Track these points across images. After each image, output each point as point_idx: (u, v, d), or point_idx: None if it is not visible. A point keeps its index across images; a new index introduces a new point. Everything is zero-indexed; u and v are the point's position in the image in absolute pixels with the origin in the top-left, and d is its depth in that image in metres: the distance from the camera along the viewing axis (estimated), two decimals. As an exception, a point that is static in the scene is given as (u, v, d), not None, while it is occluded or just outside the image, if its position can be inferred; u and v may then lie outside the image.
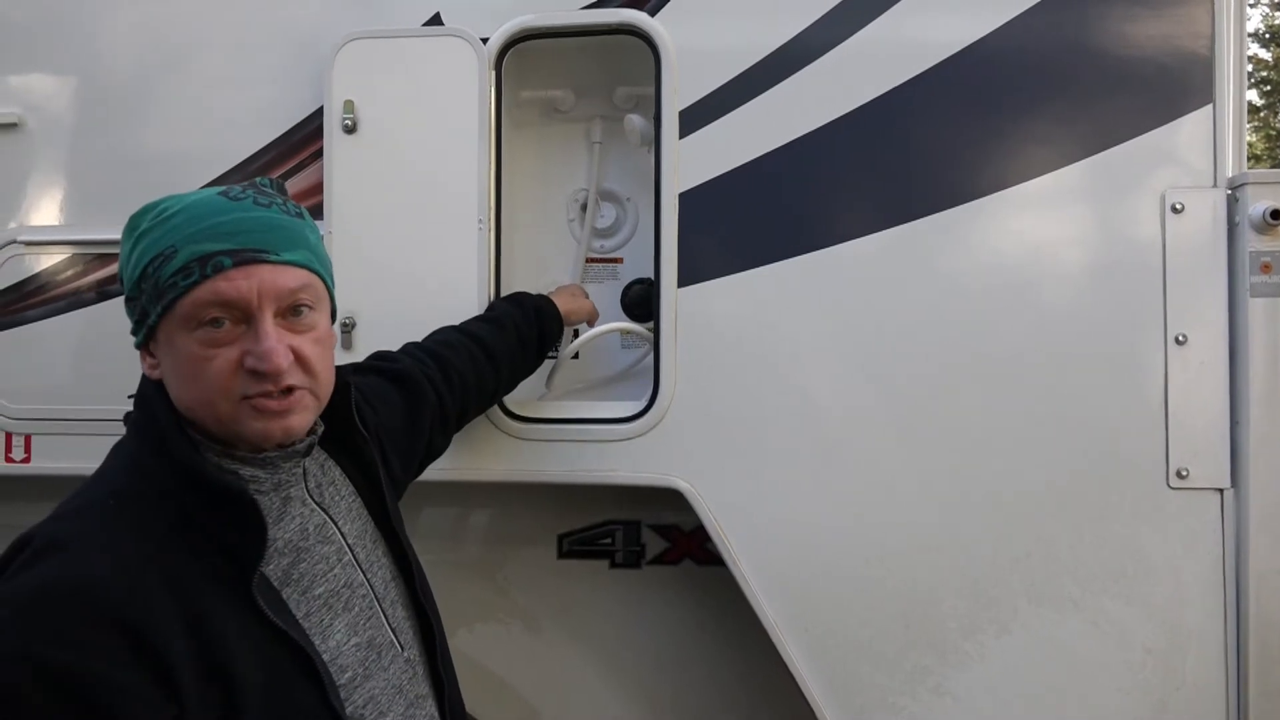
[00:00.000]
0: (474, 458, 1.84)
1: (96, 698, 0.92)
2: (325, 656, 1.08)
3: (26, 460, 1.99)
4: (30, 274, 2.01)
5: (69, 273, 2.00)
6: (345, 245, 1.86)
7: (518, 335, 1.73)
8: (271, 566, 1.08)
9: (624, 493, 1.97)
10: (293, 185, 1.93)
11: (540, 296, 1.83)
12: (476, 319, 1.75)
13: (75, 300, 1.99)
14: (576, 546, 2.11)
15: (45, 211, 2.03)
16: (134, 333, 1.10)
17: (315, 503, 1.17)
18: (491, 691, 2.08)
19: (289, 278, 1.06)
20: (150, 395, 1.11)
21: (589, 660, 2.12)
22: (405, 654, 1.20)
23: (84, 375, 1.98)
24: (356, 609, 1.15)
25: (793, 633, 1.74)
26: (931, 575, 1.72)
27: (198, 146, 1.97)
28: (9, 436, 2.00)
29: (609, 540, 2.11)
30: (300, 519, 1.14)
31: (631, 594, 2.10)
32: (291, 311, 1.07)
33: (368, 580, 1.19)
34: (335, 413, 1.22)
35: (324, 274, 1.13)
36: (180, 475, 1.04)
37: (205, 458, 1.07)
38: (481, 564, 2.14)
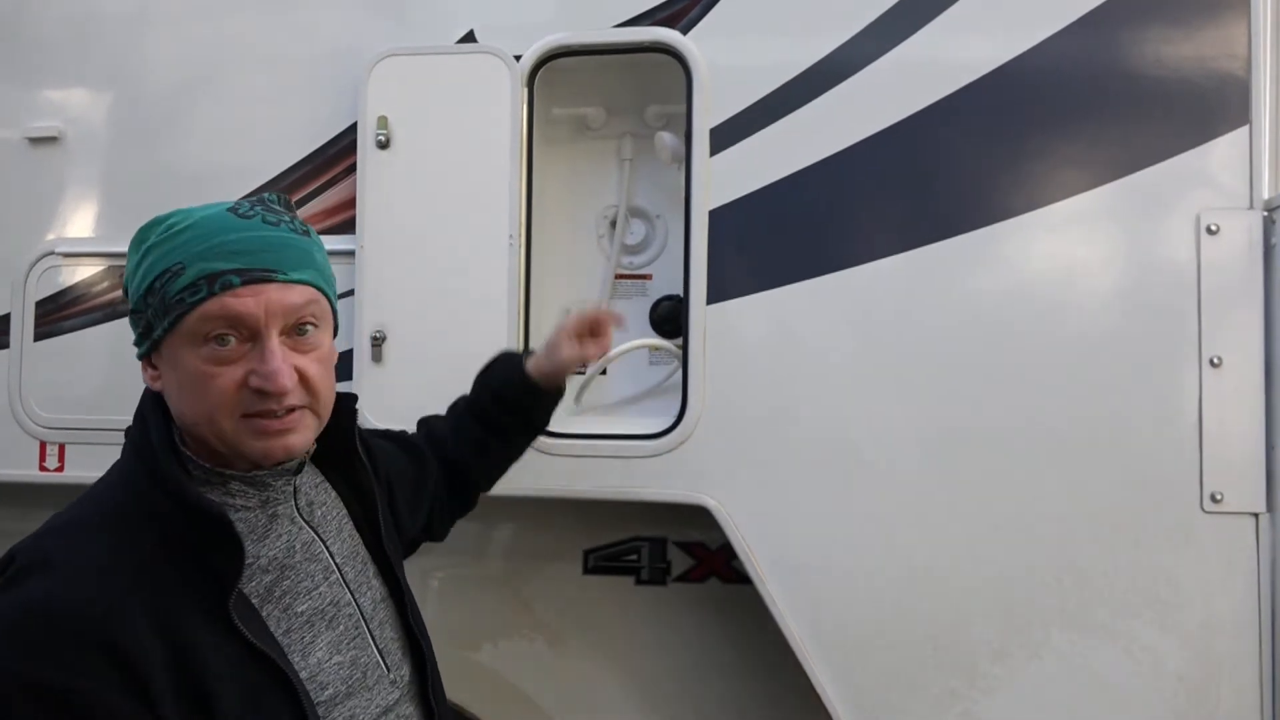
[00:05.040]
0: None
1: (85, 714, 0.92)
2: (304, 674, 1.07)
3: (60, 469, 2.02)
4: (67, 285, 2.04)
5: (105, 284, 2.03)
6: (377, 260, 1.87)
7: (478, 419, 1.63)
8: (253, 584, 1.08)
9: (650, 509, 1.96)
10: (326, 200, 1.96)
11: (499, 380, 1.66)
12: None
13: (111, 311, 2.02)
14: (602, 562, 2.11)
15: (83, 223, 2.06)
16: (137, 344, 1.11)
17: (304, 520, 1.17)
18: (515, 706, 2.08)
19: (296, 296, 1.07)
20: (148, 411, 1.12)
21: (613, 677, 2.11)
22: (391, 675, 1.19)
23: (118, 386, 2.00)
24: (341, 627, 1.15)
25: (820, 653, 1.73)
26: (961, 598, 1.70)
27: (233, 161, 2.00)
28: (43, 445, 2.03)
29: (635, 557, 2.10)
30: (288, 536, 1.14)
31: (657, 611, 2.10)
32: (296, 330, 1.08)
33: (355, 600, 1.19)
34: (337, 434, 1.23)
35: (329, 292, 1.14)
36: (168, 496, 1.05)
37: (188, 477, 1.08)
38: (507, 578, 2.14)
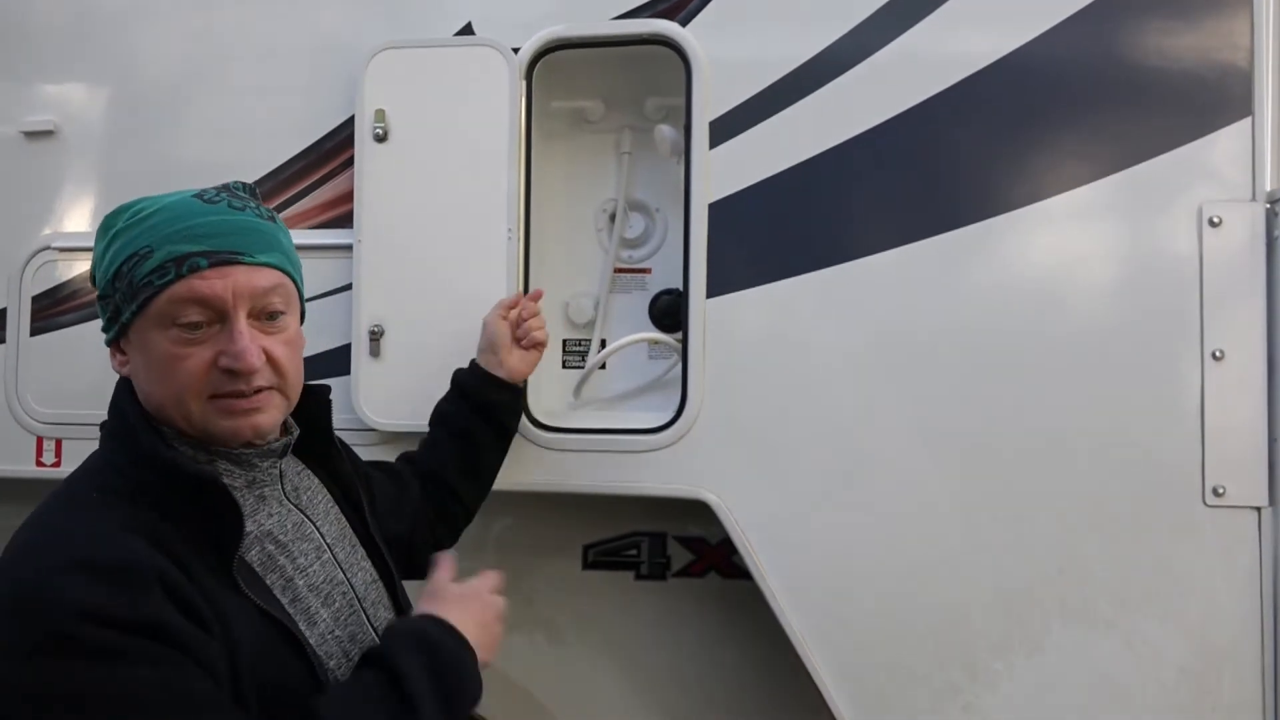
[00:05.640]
0: (500, 467, 1.84)
1: (163, 636, 0.94)
2: (312, 641, 1.09)
3: (57, 464, 2.01)
4: (63, 280, 2.03)
5: (101, 279, 2.02)
6: (375, 254, 1.86)
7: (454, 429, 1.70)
8: (254, 552, 1.10)
9: (650, 504, 1.96)
10: (323, 194, 1.95)
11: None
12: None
13: (107, 306, 2.01)
14: (602, 558, 2.10)
15: (79, 218, 2.05)
16: (105, 329, 1.13)
17: (292, 503, 1.20)
18: (514, 702, 2.07)
19: (263, 279, 1.09)
20: (122, 400, 1.13)
21: (612, 671, 2.11)
22: None
23: (115, 381, 1.99)
24: (338, 604, 1.17)
25: (820, 648, 1.72)
26: (962, 592, 1.70)
27: (230, 154, 1.98)
28: (40, 440, 2.02)
29: (634, 552, 2.10)
30: (278, 516, 1.16)
31: (656, 606, 2.09)
32: (265, 314, 1.10)
33: (348, 579, 1.21)
34: (314, 424, 1.26)
35: (295, 277, 1.16)
36: (153, 469, 1.06)
37: (176, 449, 1.09)
38: (506, 573, 2.13)
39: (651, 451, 1.80)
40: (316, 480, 1.29)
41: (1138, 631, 1.66)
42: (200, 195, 1.11)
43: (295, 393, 1.17)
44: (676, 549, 2.09)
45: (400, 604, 1.29)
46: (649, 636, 2.10)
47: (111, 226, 1.10)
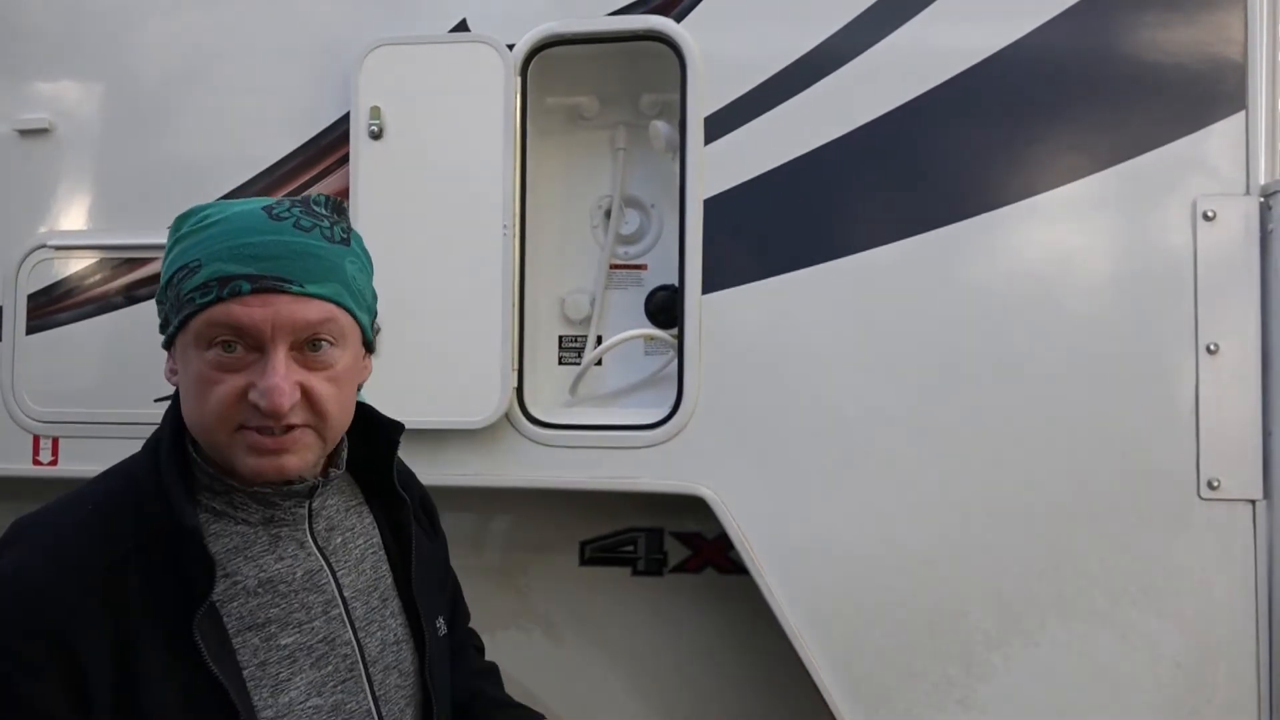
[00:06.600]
0: (497, 464, 1.84)
1: (12, 702, 0.90)
2: (268, 713, 1.00)
3: (54, 463, 2.01)
4: (59, 278, 2.03)
5: (97, 277, 2.01)
6: (370, 250, 1.86)
7: None
8: (235, 605, 1.02)
9: (647, 500, 1.96)
10: (319, 190, 1.94)
11: None
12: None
13: (103, 304, 2.01)
14: (599, 553, 2.11)
15: (74, 216, 2.05)
16: (161, 332, 1.07)
17: (317, 547, 1.11)
18: (511, 696, 2.07)
19: (310, 311, 1.00)
20: (171, 409, 1.08)
21: (610, 667, 2.11)
22: None
23: (111, 379, 1.99)
24: (330, 668, 1.07)
25: (817, 642, 1.72)
26: (958, 586, 1.70)
27: (225, 152, 1.98)
28: (36, 439, 2.02)
29: (631, 548, 2.10)
30: (290, 561, 1.08)
31: (653, 602, 2.10)
32: (309, 345, 1.01)
33: (357, 640, 1.11)
34: (375, 464, 1.18)
35: (353, 308, 1.06)
36: (160, 500, 1.01)
37: (189, 479, 1.04)
38: (503, 570, 2.14)
39: (648, 447, 1.80)
40: (368, 519, 1.19)
41: (1133, 625, 1.66)
42: (269, 209, 1.03)
43: (335, 433, 1.08)
44: (673, 544, 2.09)
45: (425, 669, 1.18)
46: (646, 632, 2.10)
47: (178, 230, 1.04)
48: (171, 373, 1.06)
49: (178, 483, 1.02)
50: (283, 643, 1.04)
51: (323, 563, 1.11)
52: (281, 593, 1.06)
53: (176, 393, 1.07)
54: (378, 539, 1.20)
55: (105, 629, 0.94)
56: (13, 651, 0.91)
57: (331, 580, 1.11)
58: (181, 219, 1.05)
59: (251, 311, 0.97)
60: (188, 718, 0.95)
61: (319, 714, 1.04)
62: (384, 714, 1.11)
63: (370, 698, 1.10)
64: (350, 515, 1.18)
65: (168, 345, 1.06)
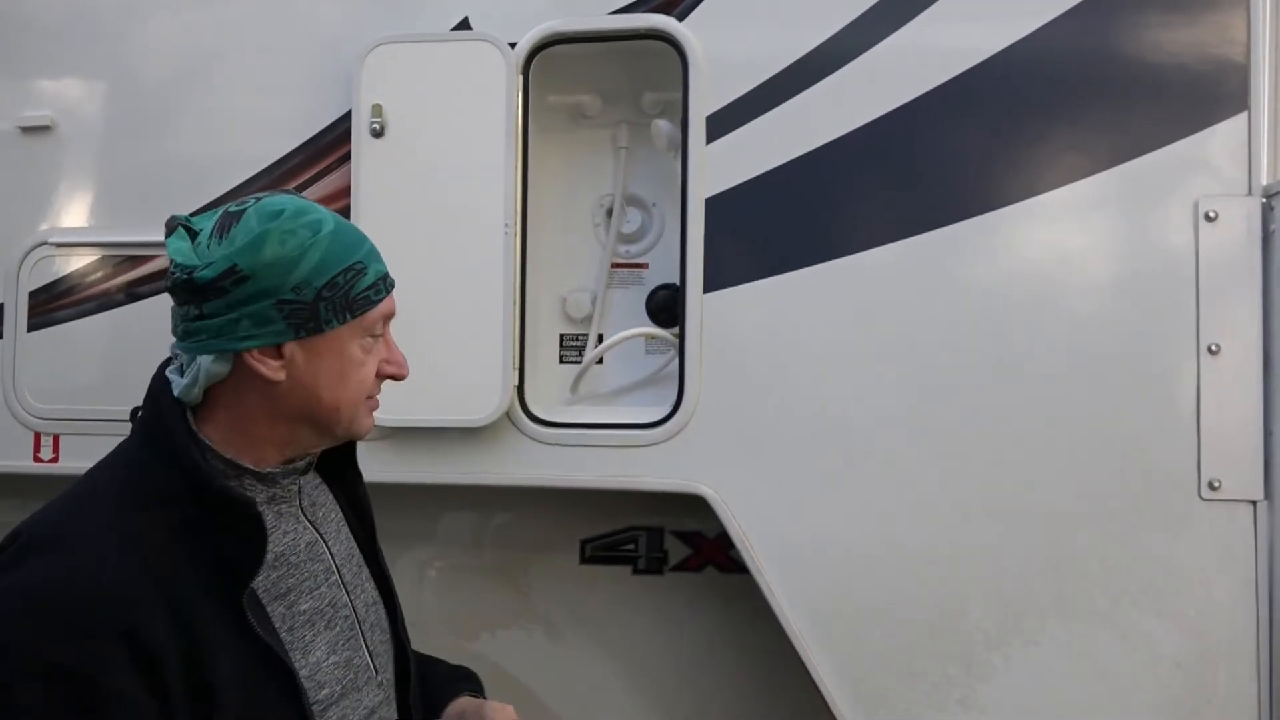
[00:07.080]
0: (497, 462, 1.84)
1: (95, 700, 0.92)
2: (304, 673, 1.08)
3: (55, 460, 2.01)
4: (61, 275, 2.03)
5: (98, 274, 2.02)
6: (372, 249, 1.86)
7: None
8: (260, 579, 1.07)
9: (647, 499, 1.96)
10: (320, 188, 1.95)
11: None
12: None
13: (105, 301, 2.01)
14: (599, 552, 2.11)
15: (76, 213, 2.05)
16: (280, 333, 1.05)
17: (308, 520, 1.19)
18: (512, 696, 2.06)
19: None
20: (160, 396, 1.10)
21: (610, 666, 2.11)
22: (379, 678, 1.21)
23: (113, 376, 1.99)
24: (338, 628, 1.16)
25: (817, 641, 1.73)
26: (958, 586, 1.70)
27: (226, 150, 1.98)
28: (38, 436, 2.02)
29: (632, 546, 2.10)
30: (293, 534, 1.15)
31: (654, 600, 2.10)
32: None
33: (351, 601, 1.20)
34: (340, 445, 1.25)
35: None
36: (186, 481, 1.03)
37: (213, 466, 1.07)
38: (504, 569, 2.14)
39: (648, 446, 1.80)
40: (329, 496, 1.28)
41: (1133, 625, 1.66)
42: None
43: None
44: (674, 543, 2.09)
45: (398, 628, 1.28)
46: (646, 630, 2.10)
47: (292, 233, 1.04)
48: (278, 369, 1.06)
49: (212, 465, 1.07)
50: (301, 608, 1.12)
51: (316, 534, 1.20)
52: (293, 564, 1.14)
53: (158, 382, 1.11)
54: (340, 511, 1.29)
55: (170, 616, 0.98)
56: (96, 650, 0.93)
57: (326, 550, 1.20)
58: (289, 221, 1.05)
59: (392, 300, 1.17)
60: (247, 686, 1.01)
61: (337, 669, 1.14)
62: (377, 666, 1.21)
63: (367, 653, 1.20)
64: (320, 491, 1.27)
65: (285, 341, 1.06)
